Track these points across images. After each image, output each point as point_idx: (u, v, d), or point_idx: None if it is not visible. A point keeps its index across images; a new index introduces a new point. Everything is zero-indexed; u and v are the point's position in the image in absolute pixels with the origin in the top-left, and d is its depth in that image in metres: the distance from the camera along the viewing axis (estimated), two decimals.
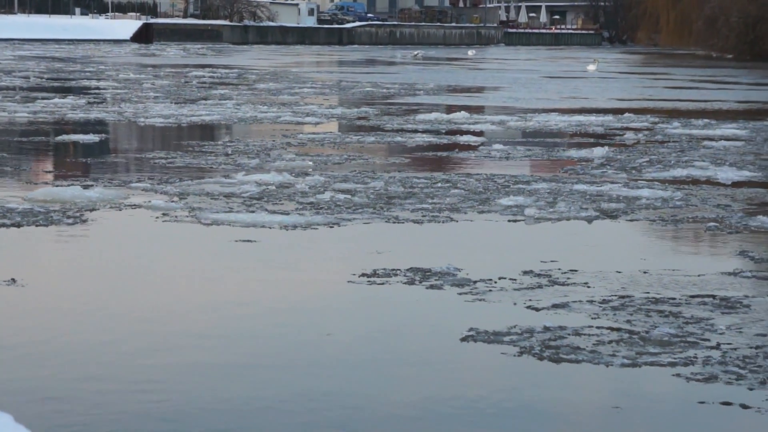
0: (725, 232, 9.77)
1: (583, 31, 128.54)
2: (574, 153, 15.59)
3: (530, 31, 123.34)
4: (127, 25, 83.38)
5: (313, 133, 18.21)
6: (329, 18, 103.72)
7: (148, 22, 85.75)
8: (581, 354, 6.10)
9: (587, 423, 5.31)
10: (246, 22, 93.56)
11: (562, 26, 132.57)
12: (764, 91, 35.36)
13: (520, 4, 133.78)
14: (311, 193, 11.29)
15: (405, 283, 7.68)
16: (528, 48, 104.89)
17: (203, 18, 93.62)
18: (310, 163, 13.83)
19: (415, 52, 66.61)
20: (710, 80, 42.27)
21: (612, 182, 12.64)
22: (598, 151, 15.15)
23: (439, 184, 12.24)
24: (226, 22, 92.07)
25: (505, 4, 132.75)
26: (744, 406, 5.37)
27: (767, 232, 9.85)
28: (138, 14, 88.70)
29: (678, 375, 5.77)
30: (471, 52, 73.63)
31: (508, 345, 6.24)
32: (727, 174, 13.30)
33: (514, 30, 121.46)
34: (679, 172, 13.47)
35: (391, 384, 5.74)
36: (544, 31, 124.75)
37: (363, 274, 7.88)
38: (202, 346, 6.33)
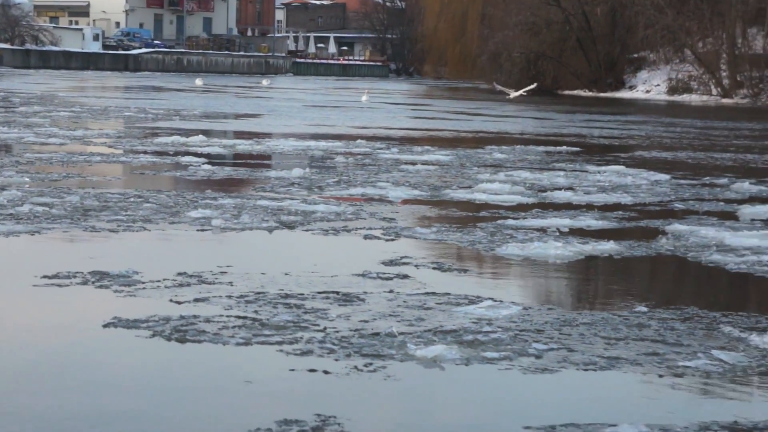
0: (382, 240, 10.94)
1: (371, 63, 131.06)
2: (274, 173, 16.77)
3: (318, 61, 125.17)
4: None
5: (43, 153, 18.88)
6: (115, 44, 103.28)
7: None
8: (205, 336, 6.93)
9: (179, 391, 6.02)
10: (28, 45, 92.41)
11: (351, 57, 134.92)
12: (500, 122, 37.29)
13: (308, 34, 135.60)
14: (9, 206, 12.07)
15: (79, 284, 8.37)
16: (316, 78, 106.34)
17: None
18: (27, 179, 14.67)
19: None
20: (465, 112, 44.32)
21: (292, 198, 13.83)
22: (296, 172, 16.43)
23: (132, 199, 13.21)
24: (7, 46, 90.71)
25: (294, 34, 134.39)
26: (326, 372, 6.28)
27: (416, 239, 11.08)
28: None
29: (281, 351, 6.65)
30: (265, 82, 74.82)
31: (144, 330, 7.02)
32: (397, 193, 14.69)
33: (302, 60, 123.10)
34: (358, 191, 14.78)
35: (27, 371, 6.30)
36: (332, 61, 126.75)
37: (45, 276, 8.54)
38: None
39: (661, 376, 6.46)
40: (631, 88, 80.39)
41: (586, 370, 6.52)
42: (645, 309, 8.15)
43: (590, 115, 44.42)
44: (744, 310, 8.27)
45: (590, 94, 77.77)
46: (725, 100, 68.65)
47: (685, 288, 9.82)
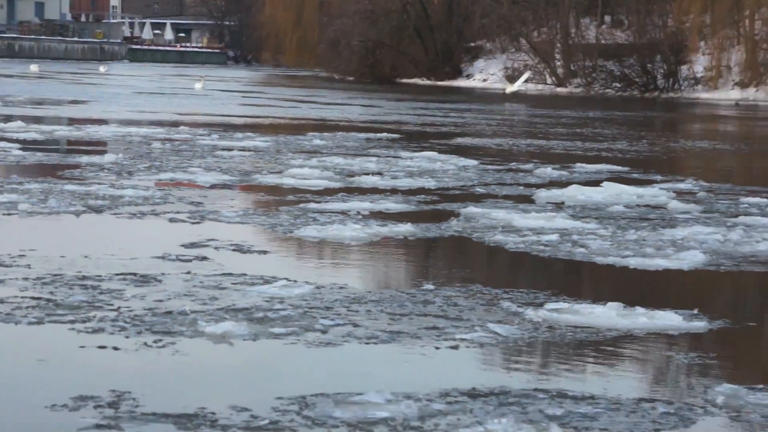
0: (187, 223, 11.08)
1: (209, 50, 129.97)
2: (86, 159, 16.84)
3: (155, 48, 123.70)
4: None
5: None
6: None
7: None
8: None
9: None
10: None
11: (188, 44, 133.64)
12: (327, 109, 37.71)
13: (144, 20, 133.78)
14: None
15: None
16: (153, 65, 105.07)
17: None
18: None
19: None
20: (296, 99, 44.65)
21: (100, 183, 13.98)
22: (108, 157, 16.54)
23: None
24: None
25: (130, 20, 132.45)
26: (116, 348, 6.42)
27: (220, 222, 11.29)
28: None
29: (73, 329, 6.78)
30: (102, 68, 73.77)
31: None
32: (206, 177, 14.94)
33: (138, 47, 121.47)
34: (168, 176, 14.97)
35: None
36: (169, 48, 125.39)
37: None
38: None
39: (437, 348, 6.80)
40: (468, 76, 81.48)
41: (367, 343, 6.82)
42: (431, 287, 8.52)
43: (417, 103, 45.06)
44: (523, 286, 8.71)
45: (428, 82, 78.66)
46: (560, 89, 70.13)
47: (471, 267, 10.21)
